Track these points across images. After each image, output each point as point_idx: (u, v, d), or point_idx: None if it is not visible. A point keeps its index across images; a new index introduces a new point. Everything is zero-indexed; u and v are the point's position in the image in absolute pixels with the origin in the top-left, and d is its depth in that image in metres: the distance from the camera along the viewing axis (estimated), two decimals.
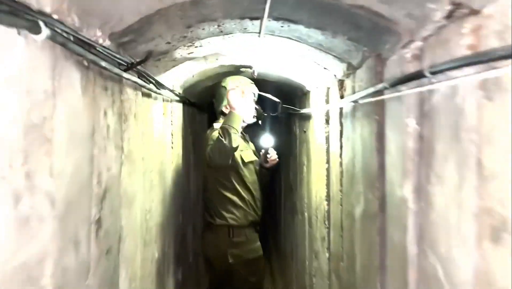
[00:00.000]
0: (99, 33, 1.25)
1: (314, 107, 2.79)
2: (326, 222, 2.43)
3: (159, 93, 2.17)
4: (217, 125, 2.83)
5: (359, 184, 1.76)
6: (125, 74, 1.53)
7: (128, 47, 1.55)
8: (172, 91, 2.43)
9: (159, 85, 2.17)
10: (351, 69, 1.84)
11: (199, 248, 3.37)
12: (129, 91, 1.68)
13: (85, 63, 1.23)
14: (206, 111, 5.08)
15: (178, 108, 3.01)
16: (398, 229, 1.31)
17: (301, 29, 1.68)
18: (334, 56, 1.86)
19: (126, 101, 1.64)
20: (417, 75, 1.14)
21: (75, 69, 1.14)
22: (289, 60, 2.40)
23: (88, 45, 1.24)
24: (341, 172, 2.11)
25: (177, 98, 2.75)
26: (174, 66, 2.20)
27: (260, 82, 3.18)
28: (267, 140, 3.25)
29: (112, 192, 1.48)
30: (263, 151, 3.15)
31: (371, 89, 1.47)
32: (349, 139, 1.94)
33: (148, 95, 2.06)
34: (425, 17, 1.13)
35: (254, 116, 2.94)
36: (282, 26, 1.73)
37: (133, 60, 1.61)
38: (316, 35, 1.69)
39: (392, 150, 1.42)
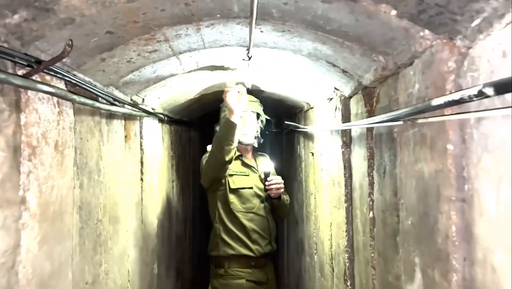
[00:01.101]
0: None
1: (325, 125, 2.16)
2: (348, 282, 1.78)
3: (108, 110, 1.53)
4: (210, 148, 2.39)
5: (412, 249, 1.11)
6: (22, 81, 0.90)
7: (29, 36, 0.93)
8: (135, 105, 1.79)
9: (113, 98, 1.55)
10: (391, 69, 1.21)
11: None
12: (42, 109, 1.05)
13: None
14: (197, 128, 4.46)
15: (152, 128, 2.38)
16: None
17: (316, 6, 1.06)
18: (364, 50, 1.23)
19: (34, 125, 1.01)
20: None
21: None
22: (292, 62, 1.77)
23: None
24: (372, 219, 1.48)
25: (147, 115, 2.12)
26: (132, 72, 1.57)
27: (255, 93, 2.60)
28: (266, 164, 2.61)
29: None
30: (263, 176, 2.52)
31: (444, 99, 0.84)
32: (387, 175, 1.31)
33: (92, 113, 1.42)
34: None
35: (255, 138, 2.56)
36: (285, 3, 1.11)
37: (42, 59, 0.99)
38: (340, 15, 1.06)
39: (490, 210, 0.78)
